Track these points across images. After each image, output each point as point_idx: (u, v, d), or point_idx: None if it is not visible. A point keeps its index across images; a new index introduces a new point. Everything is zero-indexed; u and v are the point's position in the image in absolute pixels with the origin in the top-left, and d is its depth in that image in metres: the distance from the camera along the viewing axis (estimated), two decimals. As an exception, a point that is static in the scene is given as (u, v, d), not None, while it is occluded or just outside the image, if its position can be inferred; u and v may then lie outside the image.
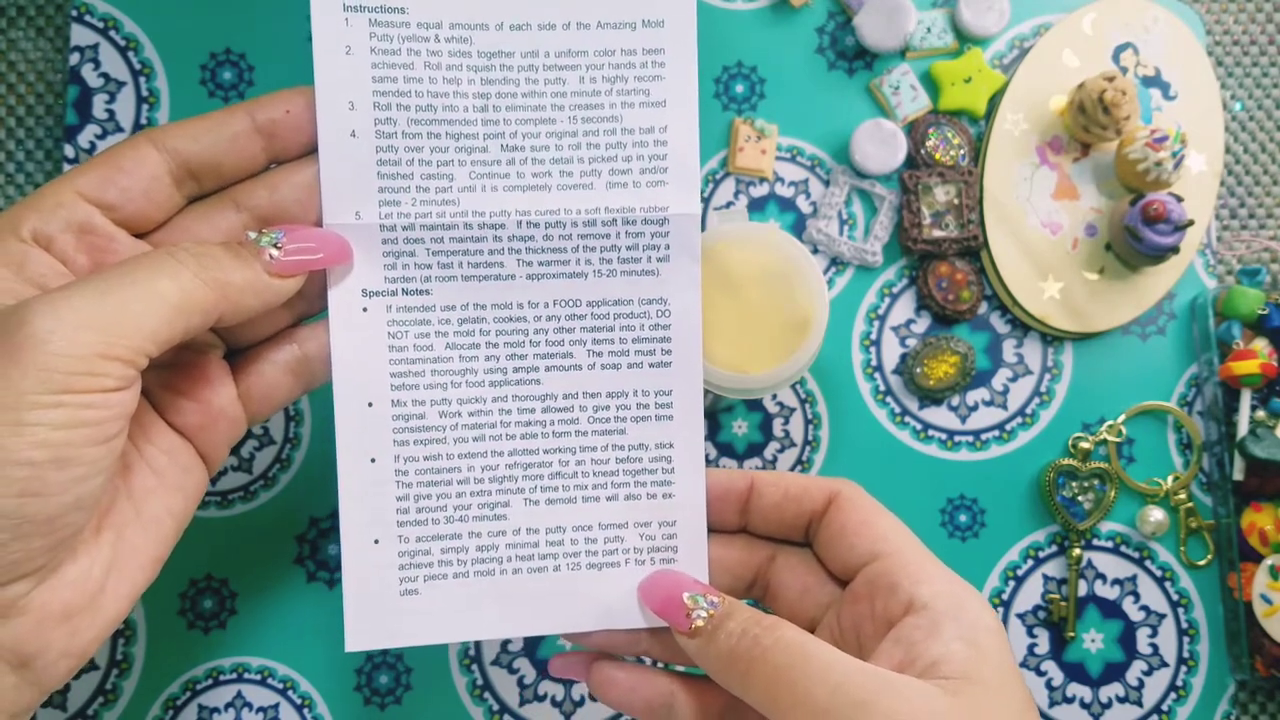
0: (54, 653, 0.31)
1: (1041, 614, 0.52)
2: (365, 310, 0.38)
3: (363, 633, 0.38)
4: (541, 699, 0.51)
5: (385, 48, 0.37)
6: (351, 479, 0.38)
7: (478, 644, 0.51)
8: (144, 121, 0.53)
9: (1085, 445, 0.53)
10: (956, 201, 0.53)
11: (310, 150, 0.37)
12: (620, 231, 0.39)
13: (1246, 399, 0.52)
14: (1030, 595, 0.52)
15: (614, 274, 0.39)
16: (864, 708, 0.29)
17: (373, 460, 0.38)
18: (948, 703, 0.29)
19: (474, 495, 0.39)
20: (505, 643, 0.51)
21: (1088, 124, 0.52)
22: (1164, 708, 0.52)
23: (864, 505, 0.36)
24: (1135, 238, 0.50)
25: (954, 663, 0.30)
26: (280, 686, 0.50)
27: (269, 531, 0.51)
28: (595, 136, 0.38)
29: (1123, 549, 0.53)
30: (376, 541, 0.38)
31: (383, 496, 0.38)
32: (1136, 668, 0.52)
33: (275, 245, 0.34)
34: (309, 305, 0.38)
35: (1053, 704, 0.52)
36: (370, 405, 0.38)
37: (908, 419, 0.53)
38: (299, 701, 0.50)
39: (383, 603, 0.38)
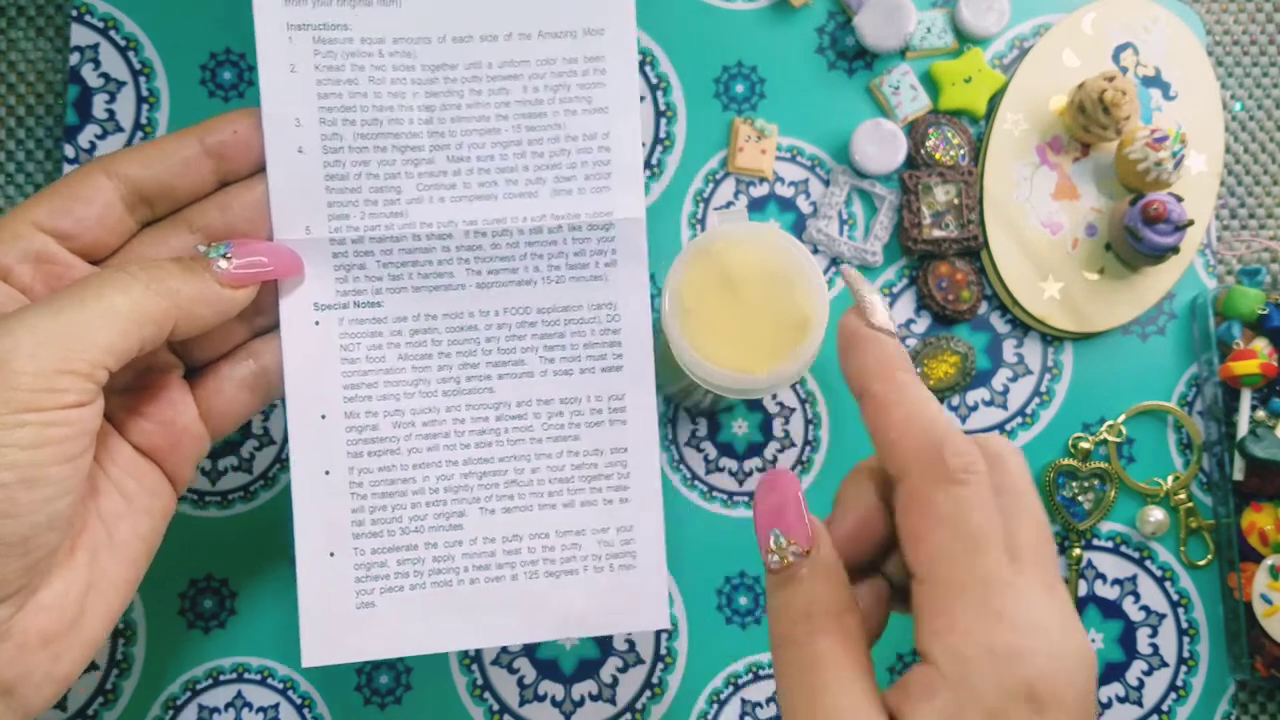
0: (37, 677, 0.31)
1: (1041, 614, 0.52)
2: (317, 324, 0.38)
3: (319, 648, 0.38)
4: (542, 699, 0.51)
5: (329, 64, 0.37)
6: (305, 492, 0.38)
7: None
8: (144, 121, 0.53)
9: (1085, 445, 0.53)
10: (956, 201, 0.53)
11: (260, 169, 0.37)
12: (567, 238, 0.39)
13: (1246, 399, 0.52)
14: (1030, 595, 0.52)
15: (562, 280, 0.39)
16: None
17: (327, 472, 0.38)
18: None
19: (429, 505, 0.39)
20: (505, 643, 0.51)
21: (1088, 124, 0.52)
22: (1164, 708, 0.52)
23: (922, 507, 0.29)
24: (1135, 238, 0.50)
25: None
26: (280, 686, 0.50)
27: (269, 531, 0.51)
28: (539, 144, 0.39)
29: (1123, 549, 0.53)
30: (332, 555, 0.38)
31: (337, 509, 0.38)
32: (1136, 668, 0.52)
33: (225, 256, 0.35)
34: (264, 319, 0.38)
35: (1053, 704, 0.52)
36: (323, 417, 0.38)
37: (908, 419, 0.53)
38: (299, 701, 0.50)
39: (339, 617, 0.38)
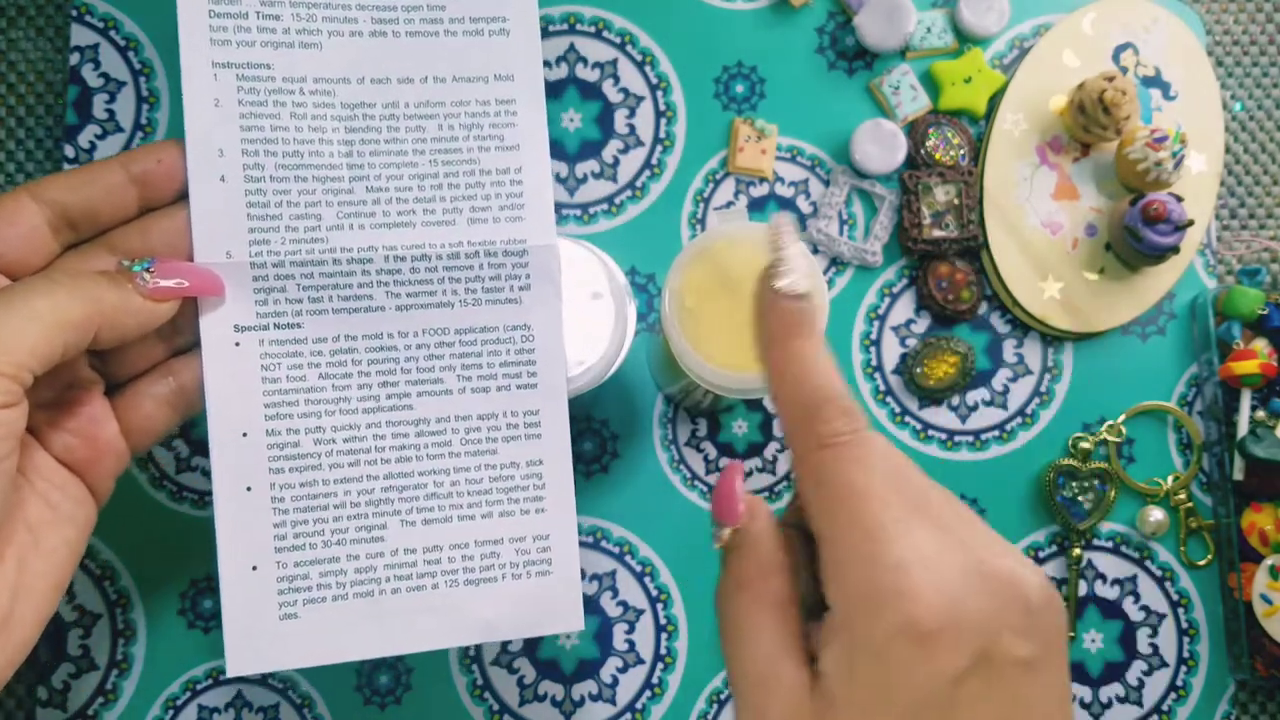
0: None
1: (1041, 614, 0.52)
2: (238, 345, 0.39)
3: (243, 658, 0.39)
4: (542, 699, 0.51)
5: (252, 100, 0.39)
6: (227, 507, 0.39)
7: (478, 644, 0.51)
8: (144, 121, 0.53)
9: (1085, 445, 0.53)
10: (956, 201, 0.53)
11: (182, 197, 0.39)
12: (483, 263, 0.41)
13: (1246, 399, 0.52)
14: (1030, 595, 0.52)
15: (479, 303, 0.41)
16: (750, 692, 0.29)
17: (249, 488, 0.39)
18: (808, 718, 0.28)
19: (351, 519, 0.40)
20: (505, 643, 0.51)
21: (1088, 124, 0.52)
22: (1164, 708, 0.52)
23: (806, 470, 0.30)
24: (1135, 238, 0.50)
25: (829, 682, 0.28)
26: (280, 686, 0.50)
27: (269, 531, 0.51)
28: (455, 178, 0.41)
29: (1123, 549, 0.53)
30: (255, 568, 0.39)
31: (259, 524, 0.39)
32: (1136, 668, 0.52)
33: (148, 270, 0.36)
34: (184, 338, 0.39)
35: (1053, 704, 0.52)
36: (245, 435, 0.39)
37: (908, 419, 0.53)
38: (299, 701, 0.50)
39: (262, 628, 0.39)
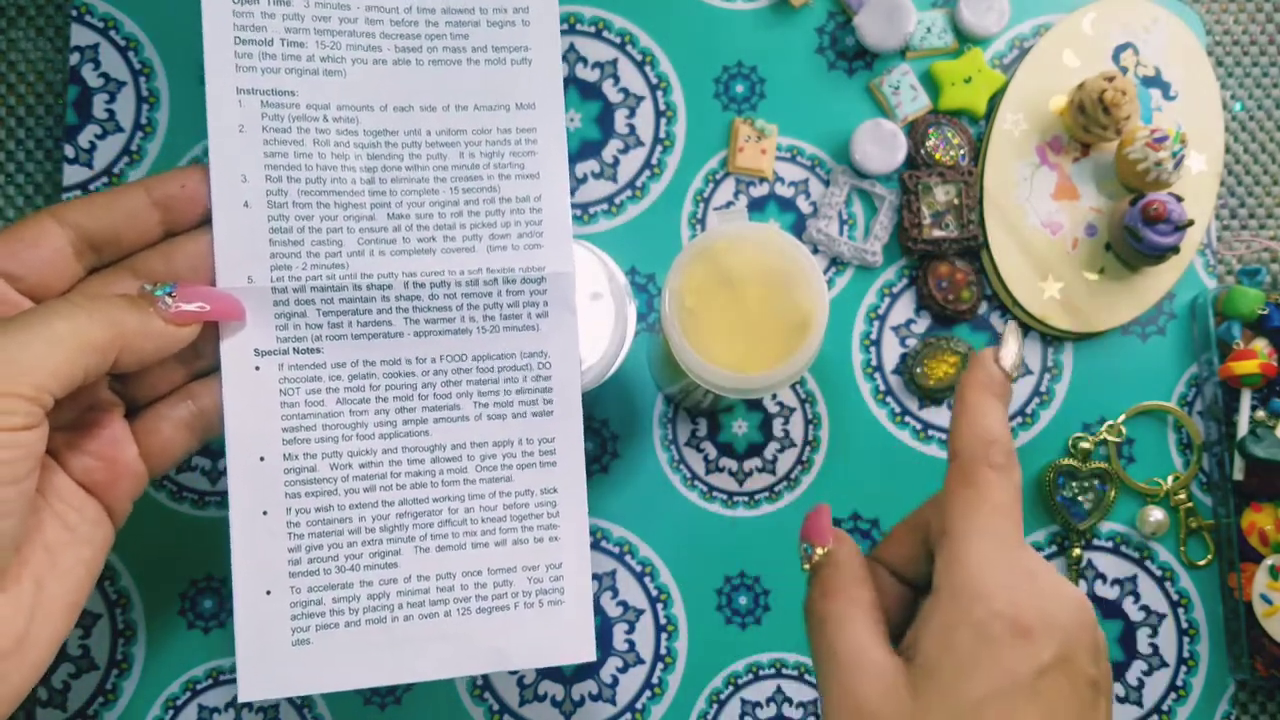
0: None
1: (1041, 614, 0.52)
2: (258, 369, 0.39)
3: (255, 683, 0.39)
4: (542, 699, 0.51)
5: (276, 126, 0.39)
6: (243, 531, 0.39)
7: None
8: (144, 121, 0.53)
9: (1085, 445, 0.53)
10: (956, 201, 0.53)
11: (205, 221, 0.39)
12: (501, 290, 0.41)
13: (1246, 399, 0.52)
14: (1030, 595, 0.52)
15: (497, 330, 0.41)
16: (841, 675, 0.32)
17: (264, 513, 0.39)
18: (899, 697, 0.31)
19: (365, 544, 0.40)
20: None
21: (1088, 124, 0.52)
22: (1164, 708, 0.52)
23: (962, 476, 0.35)
24: (1135, 238, 0.50)
25: (924, 652, 0.32)
26: (280, 686, 0.50)
27: (269, 531, 0.51)
28: (475, 205, 0.41)
29: (1123, 549, 0.53)
30: (268, 593, 0.39)
31: (274, 548, 0.39)
32: (1136, 668, 0.52)
33: (169, 295, 0.36)
34: (204, 361, 0.39)
35: (1053, 704, 0.52)
36: (262, 459, 0.39)
37: (908, 419, 0.53)
38: (299, 701, 0.50)
39: (275, 653, 0.39)
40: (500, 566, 0.41)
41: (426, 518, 0.40)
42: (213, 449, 0.51)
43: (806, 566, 0.36)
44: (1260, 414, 0.52)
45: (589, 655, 0.41)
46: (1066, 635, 0.31)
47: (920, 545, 0.36)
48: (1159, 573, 0.53)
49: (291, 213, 0.39)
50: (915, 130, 0.54)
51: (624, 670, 0.51)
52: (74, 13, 0.53)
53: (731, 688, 0.51)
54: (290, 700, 0.50)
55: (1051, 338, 0.54)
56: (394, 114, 0.41)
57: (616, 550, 0.52)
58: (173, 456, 0.39)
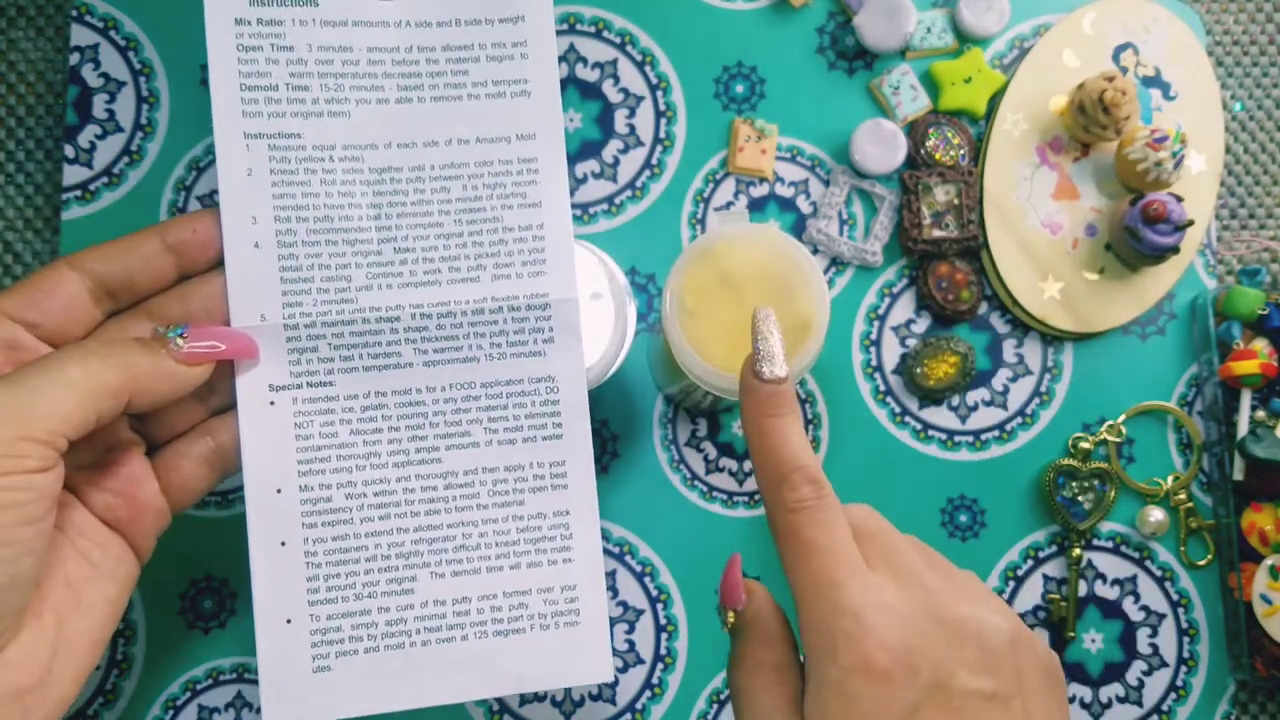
0: None
1: (1041, 614, 0.52)
2: (273, 404, 0.40)
3: (279, 710, 0.40)
4: (541, 699, 0.51)
5: (284, 168, 0.40)
6: (263, 562, 0.40)
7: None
8: (144, 122, 0.53)
9: (1085, 445, 0.53)
10: (956, 201, 0.53)
11: (217, 263, 0.40)
12: (507, 318, 0.41)
13: (1246, 399, 0.52)
14: (1030, 595, 0.52)
15: (504, 357, 0.42)
16: None
17: (283, 544, 0.40)
18: None
19: (382, 572, 0.40)
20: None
21: (1088, 124, 0.52)
22: (1164, 708, 0.52)
23: (776, 531, 0.35)
24: (1135, 238, 0.50)
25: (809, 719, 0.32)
26: (280, 686, 0.50)
27: (269, 531, 0.51)
28: (479, 235, 0.42)
29: (1123, 549, 0.53)
30: (289, 621, 0.40)
31: (293, 578, 0.40)
32: (1136, 668, 0.52)
33: (181, 336, 0.37)
34: (220, 399, 0.40)
35: (1053, 704, 0.52)
36: (279, 491, 0.40)
37: (908, 419, 0.53)
38: (299, 701, 0.50)
39: (298, 681, 0.40)
40: (515, 589, 0.41)
41: (441, 543, 0.41)
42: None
43: (725, 630, 0.36)
44: (1260, 414, 0.52)
45: (607, 676, 0.41)
46: (933, 660, 0.31)
47: None
48: (1159, 573, 0.53)
49: (301, 251, 0.40)
50: (915, 130, 0.54)
51: (624, 670, 0.51)
52: (74, 13, 0.53)
53: (731, 688, 0.51)
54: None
55: (1051, 338, 0.54)
56: (398, 151, 0.41)
57: (616, 550, 0.52)
58: (194, 492, 0.40)
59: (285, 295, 0.40)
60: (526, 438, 0.42)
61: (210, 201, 0.52)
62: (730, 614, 0.35)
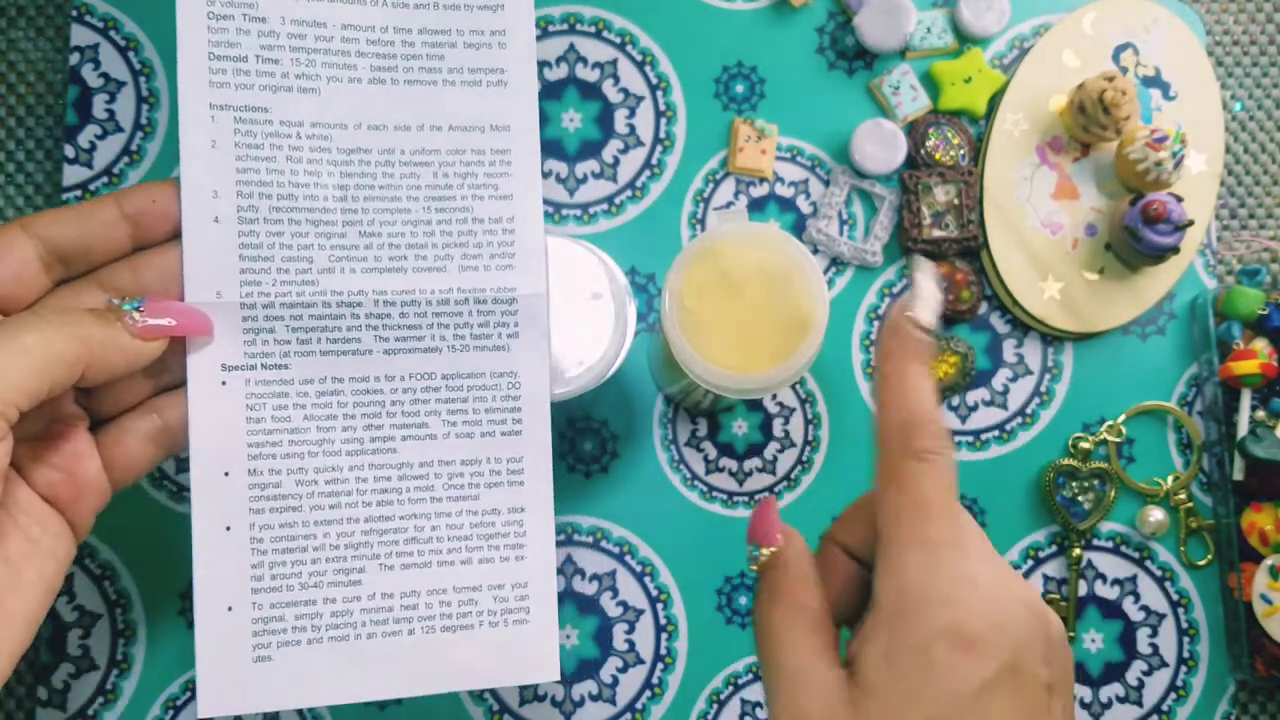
0: None
1: (1041, 614, 0.52)
2: (224, 384, 0.39)
3: (215, 699, 0.39)
4: (542, 699, 0.51)
5: (249, 142, 0.39)
6: (205, 546, 0.39)
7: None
8: (144, 121, 0.53)
9: (1085, 445, 0.53)
10: (956, 201, 0.53)
11: (175, 236, 0.39)
12: (472, 310, 0.41)
13: (1246, 399, 0.52)
14: (1030, 595, 0.52)
15: (467, 349, 0.41)
16: (786, 687, 0.32)
17: (228, 528, 0.39)
18: (841, 716, 0.31)
19: (329, 562, 0.40)
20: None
21: (1088, 124, 0.52)
22: (1164, 708, 0.52)
23: (889, 475, 0.33)
24: (1135, 238, 0.50)
25: (866, 672, 0.31)
26: (280, 686, 0.50)
27: (269, 531, 0.51)
28: (448, 225, 0.41)
29: (1123, 549, 0.53)
30: (230, 609, 0.39)
31: (237, 564, 0.39)
32: (1136, 668, 0.52)
33: (137, 309, 0.36)
34: (170, 375, 0.39)
35: (1053, 704, 0.52)
36: (226, 474, 0.39)
37: (908, 419, 0.53)
38: (299, 701, 0.50)
39: (236, 669, 0.39)
40: (466, 585, 0.41)
41: (392, 535, 0.40)
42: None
43: (754, 568, 0.35)
44: (1260, 414, 0.52)
45: (553, 675, 0.41)
46: (1014, 642, 0.30)
47: (871, 527, 0.35)
48: (1159, 573, 0.53)
49: (262, 229, 0.39)
50: (915, 130, 0.54)
51: (624, 670, 0.51)
52: (74, 13, 0.53)
53: (731, 688, 0.51)
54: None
55: (1051, 338, 0.54)
56: (368, 132, 0.41)
57: (616, 550, 0.52)
58: (136, 470, 0.39)
59: (243, 273, 0.39)
60: (485, 432, 0.41)
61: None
62: (764, 552, 0.34)
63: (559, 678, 0.42)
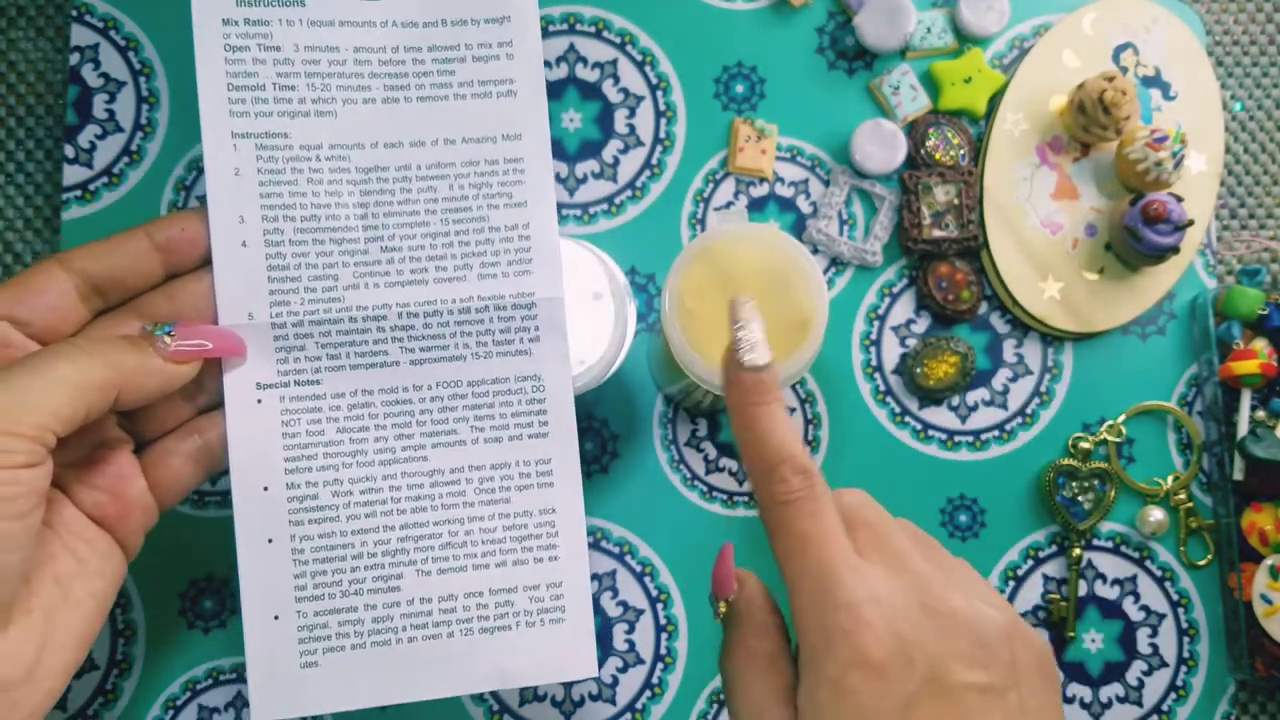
0: None
1: (1042, 614, 0.52)
2: (260, 402, 0.40)
3: (268, 705, 0.40)
4: (542, 699, 0.51)
5: (271, 168, 0.41)
6: (250, 559, 0.40)
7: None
8: (144, 121, 0.53)
9: (1085, 445, 0.53)
10: (956, 201, 0.53)
11: (205, 262, 0.40)
12: (493, 317, 0.42)
13: (1246, 399, 0.52)
14: (1030, 595, 0.52)
15: (490, 355, 0.42)
16: None
17: (270, 540, 0.40)
18: None
19: (368, 569, 0.41)
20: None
21: (1088, 124, 0.52)
22: (1164, 708, 0.52)
23: (768, 523, 0.35)
24: (1135, 238, 0.50)
25: (803, 711, 0.31)
26: (280, 686, 0.50)
27: (269, 531, 0.51)
28: (465, 235, 0.42)
29: (1123, 549, 0.53)
30: (276, 618, 0.40)
31: (281, 574, 0.40)
32: (1136, 668, 0.52)
33: (168, 334, 0.38)
34: (208, 397, 0.41)
35: (1053, 704, 0.52)
36: (266, 489, 0.40)
37: (908, 419, 0.53)
38: (299, 701, 0.50)
39: (285, 676, 0.40)
40: (501, 587, 0.41)
41: (427, 541, 0.41)
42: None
43: (717, 619, 0.36)
44: (1260, 414, 0.52)
45: (590, 671, 0.42)
46: (929, 653, 0.30)
47: None
48: (1159, 573, 0.53)
49: (288, 250, 0.40)
50: (915, 130, 0.54)
51: (624, 670, 0.51)
52: (74, 13, 0.53)
53: (731, 688, 0.51)
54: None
55: (1051, 338, 0.54)
56: (384, 150, 0.42)
57: (616, 550, 0.52)
58: (181, 489, 0.40)
59: (273, 294, 0.40)
60: (513, 436, 0.42)
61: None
62: (722, 604, 0.35)
63: (596, 674, 0.43)
